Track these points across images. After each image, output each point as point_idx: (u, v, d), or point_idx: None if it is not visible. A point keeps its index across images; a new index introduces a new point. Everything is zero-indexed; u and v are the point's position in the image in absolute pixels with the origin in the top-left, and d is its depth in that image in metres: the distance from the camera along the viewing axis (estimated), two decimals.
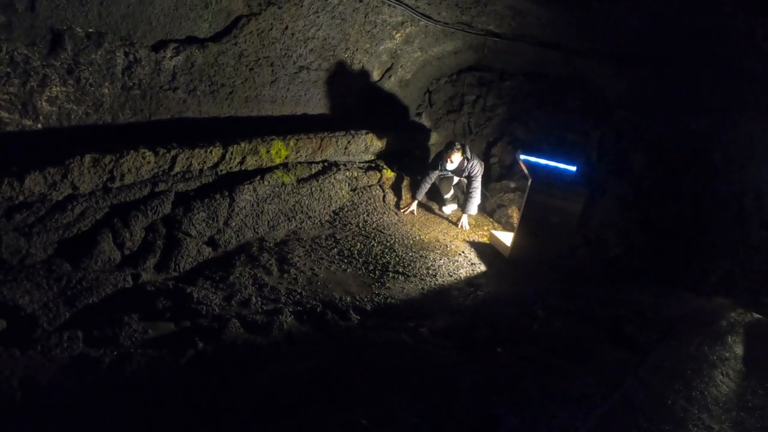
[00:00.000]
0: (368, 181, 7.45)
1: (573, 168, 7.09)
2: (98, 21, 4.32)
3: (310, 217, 6.32)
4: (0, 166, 3.88)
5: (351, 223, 6.66)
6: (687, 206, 7.29)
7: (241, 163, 5.63)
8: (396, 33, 7.45)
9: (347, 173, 7.03)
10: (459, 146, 7.36)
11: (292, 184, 6.18)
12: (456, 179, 8.06)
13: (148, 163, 4.68)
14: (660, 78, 7.20)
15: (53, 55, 4.15)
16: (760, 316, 6.41)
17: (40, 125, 4.29)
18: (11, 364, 3.24)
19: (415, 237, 6.88)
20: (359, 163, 7.55)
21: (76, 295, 4.01)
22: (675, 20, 5.63)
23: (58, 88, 4.31)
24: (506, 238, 7.18)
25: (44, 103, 4.25)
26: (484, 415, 3.62)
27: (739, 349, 5.42)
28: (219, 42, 5.34)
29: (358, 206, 7.04)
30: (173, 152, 4.86)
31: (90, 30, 4.31)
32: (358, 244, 6.19)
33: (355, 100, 7.97)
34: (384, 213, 7.30)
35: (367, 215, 7.01)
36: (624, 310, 5.81)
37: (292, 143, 6.20)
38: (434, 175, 7.69)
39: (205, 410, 3.18)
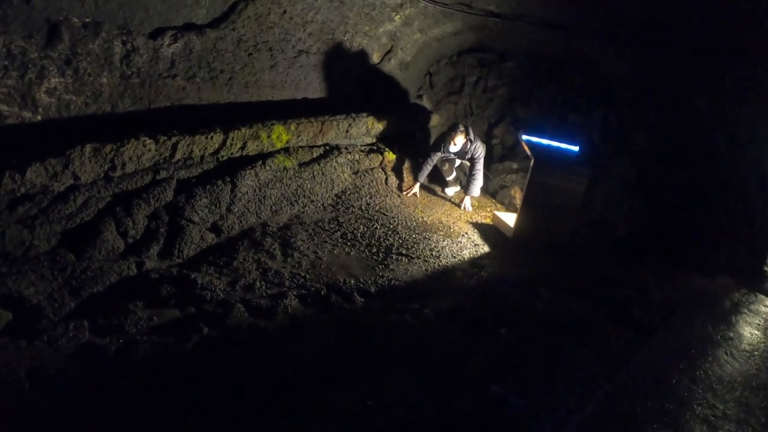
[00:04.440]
0: (370, 164, 7.43)
1: (575, 148, 7.06)
2: (95, 10, 4.30)
3: (312, 200, 6.32)
4: (1, 159, 3.88)
5: (353, 206, 6.66)
6: (691, 186, 7.26)
7: (243, 148, 5.63)
8: (395, 15, 7.40)
9: (349, 156, 7.01)
10: (462, 128, 7.32)
11: (294, 168, 6.17)
12: (458, 161, 8.03)
13: (149, 151, 4.69)
14: (663, 59, 7.14)
15: (50, 47, 4.15)
16: (763, 296, 6.42)
17: (39, 117, 4.30)
18: (18, 355, 3.27)
19: (418, 219, 6.88)
20: (361, 146, 7.52)
21: (81, 284, 4.04)
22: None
23: (57, 79, 4.30)
24: (509, 219, 7.17)
25: (43, 95, 4.25)
26: (489, 396, 3.65)
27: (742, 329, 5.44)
28: (217, 28, 5.32)
29: (360, 189, 7.03)
30: (174, 139, 4.86)
31: (87, 20, 4.29)
32: (361, 226, 6.20)
33: (355, 84, 7.93)
34: (386, 195, 7.28)
35: (370, 198, 7.01)
36: (628, 290, 5.81)
37: (293, 127, 6.19)
38: (436, 157, 7.67)
39: (212, 395, 3.21)
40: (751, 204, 7.04)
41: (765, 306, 6.18)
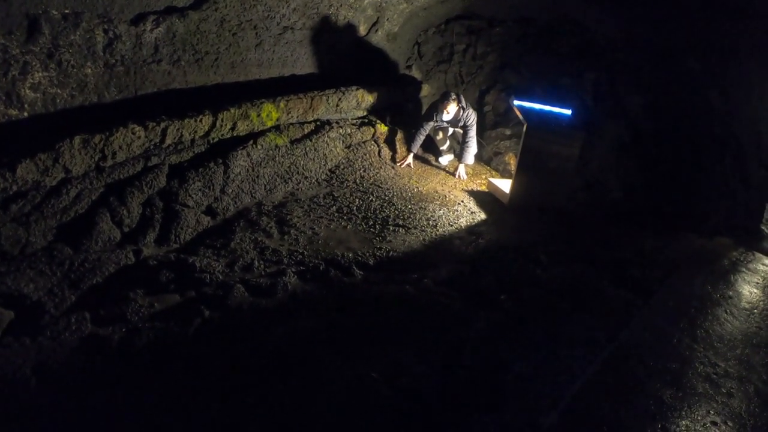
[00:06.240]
0: (362, 137, 7.41)
1: (568, 112, 7.02)
2: (73, 1, 4.24)
3: (306, 177, 6.32)
4: None
5: (348, 180, 6.66)
6: (686, 147, 7.23)
7: (233, 129, 5.59)
8: None
9: (340, 130, 6.99)
10: (454, 96, 7.30)
11: (286, 145, 6.15)
12: (451, 130, 8.01)
13: (139, 138, 4.66)
14: (653, 17, 7.06)
15: (32, 41, 4.10)
16: (761, 255, 6.44)
17: (26, 113, 4.27)
18: (23, 353, 3.29)
19: (413, 189, 6.89)
20: (352, 119, 7.50)
21: (80, 277, 4.05)
22: None
23: (40, 74, 4.26)
24: (505, 185, 7.18)
25: (28, 91, 4.21)
26: (492, 362, 3.68)
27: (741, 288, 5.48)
28: (199, 9, 5.23)
29: (353, 163, 7.04)
30: (163, 125, 4.83)
31: (66, 11, 4.23)
32: (357, 200, 6.21)
33: (343, 57, 7.86)
34: (380, 168, 7.29)
35: (364, 171, 7.01)
36: (626, 252, 5.84)
37: (282, 105, 6.15)
38: (429, 127, 7.65)
39: (217, 376, 3.23)
40: (747, 163, 7.02)
41: (763, 264, 6.22)
